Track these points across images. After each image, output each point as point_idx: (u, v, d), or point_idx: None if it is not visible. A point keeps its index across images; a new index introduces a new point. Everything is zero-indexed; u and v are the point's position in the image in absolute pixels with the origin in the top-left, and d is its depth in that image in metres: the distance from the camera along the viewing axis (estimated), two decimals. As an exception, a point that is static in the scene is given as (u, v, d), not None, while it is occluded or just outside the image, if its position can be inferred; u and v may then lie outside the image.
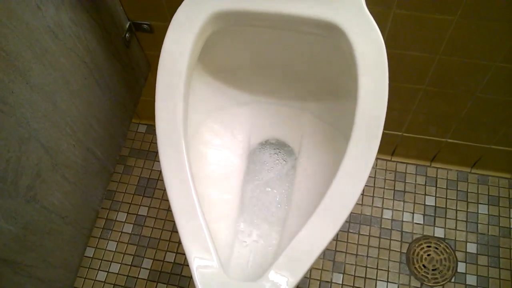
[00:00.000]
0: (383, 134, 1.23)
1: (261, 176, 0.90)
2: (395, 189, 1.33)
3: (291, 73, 0.88)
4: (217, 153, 0.91)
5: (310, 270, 1.24)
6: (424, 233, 1.26)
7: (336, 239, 1.27)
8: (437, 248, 1.24)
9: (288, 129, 0.94)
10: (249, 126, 0.94)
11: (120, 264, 1.28)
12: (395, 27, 0.90)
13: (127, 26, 1.05)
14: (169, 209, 1.35)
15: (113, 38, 0.99)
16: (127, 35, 1.05)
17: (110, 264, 1.29)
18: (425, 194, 1.32)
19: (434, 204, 1.30)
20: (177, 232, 0.70)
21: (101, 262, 1.29)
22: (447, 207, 1.29)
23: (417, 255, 1.23)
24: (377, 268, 1.23)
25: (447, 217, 1.28)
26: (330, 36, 0.72)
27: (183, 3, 0.75)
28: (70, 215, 0.93)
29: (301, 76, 0.89)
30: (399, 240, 1.26)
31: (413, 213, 1.29)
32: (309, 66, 0.85)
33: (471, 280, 1.20)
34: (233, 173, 0.90)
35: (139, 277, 1.26)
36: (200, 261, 0.63)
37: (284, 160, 0.92)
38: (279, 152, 0.93)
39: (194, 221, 0.65)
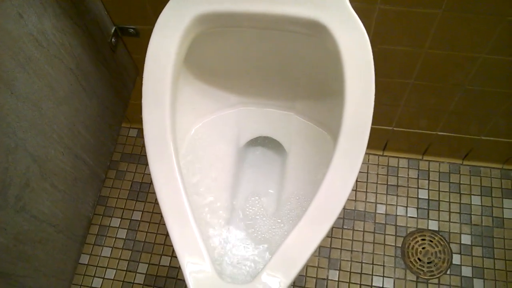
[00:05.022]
0: (374, 129, 1.24)
1: (251, 176, 0.89)
2: (388, 183, 1.33)
3: (278, 73, 0.88)
4: (207, 155, 0.90)
5: (306, 267, 1.24)
6: (418, 227, 1.27)
7: (331, 235, 1.27)
8: (431, 241, 1.24)
9: (277, 129, 0.93)
10: (238, 127, 0.93)
11: (115, 270, 1.28)
12: (381, 23, 0.90)
13: (112, 31, 1.05)
14: (162, 213, 1.34)
15: (98, 44, 0.99)
16: (113, 39, 1.05)
17: (105, 270, 1.28)
18: (418, 188, 1.32)
19: (427, 197, 1.30)
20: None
21: (96, 268, 1.29)
22: (440, 199, 1.30)
23: (412, 248, 1.24)
24: (372, 263, 1.23)
25: (440, 209, 1.28)
26: (315, 34, 0.71)
27: (166, 7, 0.74)
28: (61, 223, 0.92)
29: (288, 75, 0.88)
30: (394, 234, 1.26)
31: (406, 207, 1.29)
32: (295, 65, 0.85)
33: (466, 271, 1.20)
34: (223, 174, 0.89)
35: (135, 282, 1.26)
36: (193, 266, 0.62)
37: (274, 159, 0.92)
38: (269, 151, 0.92)
39: (185, 226, 0.65)
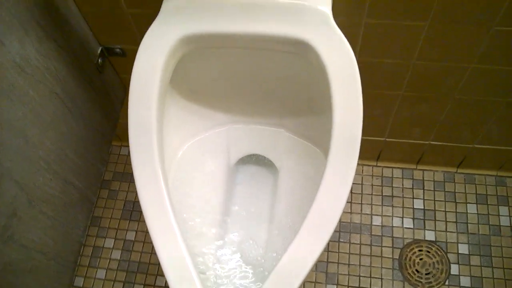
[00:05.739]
0: (367, 140, 1.23)
1: (242, 195, 0.88)
2: (383, 194, 1.32)
3: (266, 91, 0.87)
4: (197, 176, 0.89)
5: (304, 283, 1.22)
6: (415, 237, 1.25)
7: (328, 249, 1.25)
8: (428, 252, 1.23)
9: (267, 146, 0.92)
10: (228, 146, 0.92)
11: (110, 292, 1.26)
12: (368, 36, 0.89)
13: (98, 51, 1.04)
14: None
15: (84, 65, 0.98)
16: (99, 60, 1.04)
17: (100, 293, 1.26)
18: (413, 198, 1.31)
19: (422, 207, 1.29)
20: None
21: (90, 291, 1.27)
22: (436, 209, 1.29)
23: (410, 260, 1.22)
24: (370, 277, 1.21)
25: (436, 219, 1.27)
26: (301, 52, 0.71)
27: (150, 28, 0.74)
28: (51, 251, 0.90)
29: (275, 93, 0.87)
30: (391, 246, 1.25)
31: (402, 217, 1.28)
32: (282, 83, 0.84)
33: (465, 281, 1.19)
34: (214, 194, 0.88)
35: (130, 304, 1.24)
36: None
37: (266, 177, 0.91)
38: (260, 169, 0.91)
39: (176, 252, 0.64)
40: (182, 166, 0.88)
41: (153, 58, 0.72)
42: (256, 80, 0.85)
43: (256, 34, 0.70)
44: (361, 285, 1.21)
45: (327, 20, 0.69)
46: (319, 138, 0.87)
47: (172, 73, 0.76)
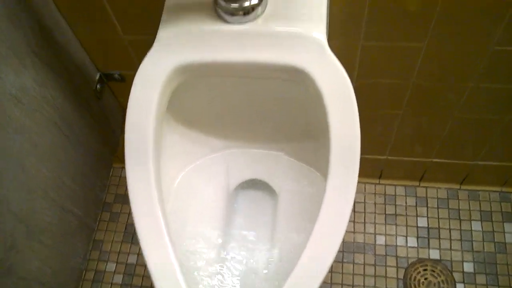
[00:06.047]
0: (368, 159, 1.23)
1: (242, 220, 0.87)
2: (386, 213, 1.31)
3: (262, 117, 0.87)
4: (195, 204, 0.89)
5: (307, 305, 1.20)
6: (419, 256, 1.24)
7: (331, 270, 1.24)
8: (433, 271, 1.21)
9: (265, 171, 0.92)
10: (225, 172, 0.92)
11: (112, 318, 1.25)
12: (365, 58, 0.89)
13: (97, 78, 1.04)
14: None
15: (82, 92, 0.98)
16: (97, 86, 1.04)
17: (102, 319, 1.25)
18: (417, 216, 1.29)
19: (426, 225, 1.27)
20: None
21: (92, 317, 1.25)
22: (440, 227, 1.27)
23: (414, 280, 1.20)
24: (375, 298, 1.20)
25: (441, 237, 1.25)
26: (296, 80, 0.70)
27: (145, 58, 0.73)
28: (51, 280, 0.90)
29: (272, 119, 0.87)
30: (395, 266, 1.23)
31: (406, 236, 1.27)
32: (279, 109, 0.84)
33: (471, 301, 1.17)
34: (213, 222, 0.87)
35: (132, 329, 1.23)
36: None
37: (264, 202, 0.90)
38: (258, 194, 0.91)
39: (174, 286, 0.63)
40: (180, 194, 0.87)
41: (148, 89, 0.72)
42: (252, 106, 0.85)
43: (251, 62, 0.69)
44: (366, 307, 1.19)
45: (322, 47, 0.68)
46: (318, 162, 0.86)
47: (168, 101, 0.76)
